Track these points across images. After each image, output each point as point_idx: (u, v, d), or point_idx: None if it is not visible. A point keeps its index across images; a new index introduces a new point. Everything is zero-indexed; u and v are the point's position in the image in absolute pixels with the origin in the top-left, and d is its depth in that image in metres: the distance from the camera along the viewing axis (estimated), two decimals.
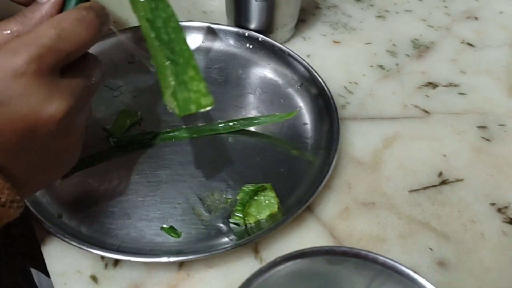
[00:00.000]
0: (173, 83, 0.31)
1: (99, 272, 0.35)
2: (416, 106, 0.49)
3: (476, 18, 0.61)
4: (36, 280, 0.60)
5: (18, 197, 0.26)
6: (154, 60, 0.33)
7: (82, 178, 0.40)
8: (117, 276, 0.34)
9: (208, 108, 0.32)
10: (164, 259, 0.33)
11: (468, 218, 0.39)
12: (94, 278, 0.34)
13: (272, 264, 0.29)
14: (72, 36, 0.27)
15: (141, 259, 0.33)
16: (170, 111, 0.32)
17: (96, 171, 0.41)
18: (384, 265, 0.30)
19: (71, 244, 0.34)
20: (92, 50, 0.45)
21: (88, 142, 0.42)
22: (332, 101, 0.44)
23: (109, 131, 0.43)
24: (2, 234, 0.47)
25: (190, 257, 0.33)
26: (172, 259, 0.33)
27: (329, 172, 0.39)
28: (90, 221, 0.37)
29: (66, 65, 0.28)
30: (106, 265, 0.35)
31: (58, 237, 0.34)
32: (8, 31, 0.27)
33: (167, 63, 0.31)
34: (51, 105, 0.26)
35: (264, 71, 0.50)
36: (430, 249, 0.37)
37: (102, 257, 0.35)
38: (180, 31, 0.32)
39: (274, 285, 0.30)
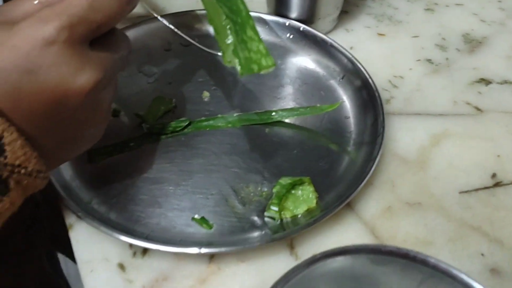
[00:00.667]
0: (232, 40, 0.30)
1: (127, 260, 0.33)
2: (468, 103, 0.45)
3: None
4: (63, 266, 0.60)
5: (45, 167, 0.26)
6: (211, 21, 0.32)
7: (113, 164, 0.39)
8: (145, 265, 0.33)
9: (270, 70, 0.30)
10: (195, 250, 0.31)
11: None
12: (121, 266, 0.33)
13: (311, 260, 0.27)
14: (104, 7, 0.26)
15: (170, 248, 0.32)
16: (229, 65, 0.31)
17: (127, 158, 0.39)
18: (435, 268, 0.27)
19: (100, 230, 0.33)
20: (128, 36, 0.45)
21: (120, 128, 0.41)
22: (377, 94, 0.42)
23: (142, 117, 0.42)
24: (30, 216, 0.47)
25: (222, 249, 0.32)
26: (203, 250, 0.31)
27: (372, 168, 0.36)
28: (120, 208, 0.36)
29: (95, 38, 0.27)
30: (134, 254, 0.34)
31: (86, 223, 0.33)
32: (37, 1, 0.26)
33: (226, 21, 0.30)
34: (82, 76, 0.26)
35: (305, 62, 0.48)
36: (482, 255, 0.34)
37: (131, 245, 0.34)
38: None
39: (312, 284, 0.28)
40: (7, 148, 0.23)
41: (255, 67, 0.30)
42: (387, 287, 0.28)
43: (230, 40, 0.30)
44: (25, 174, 0.24)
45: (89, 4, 0.25)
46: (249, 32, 0.31)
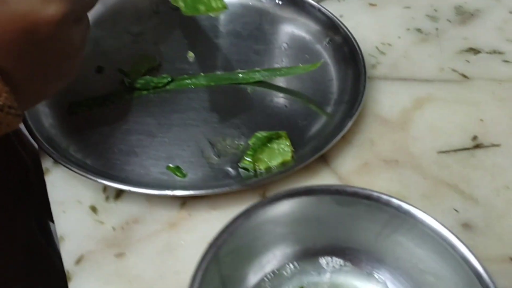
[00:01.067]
0: None
1: (99, 203, 0.33)
2: (454, 70, 0.45)
3: None
4: (55, 238, 0.60)
5: (16, 104, 0.26)
6: None
7: (94, 116, 0.39)
8: (117, 209, 0.33)
9: (219, 13, 0.30)
10: (167, 192, 0.32)
11: (502, 183, 0.35)
12: (93, 209, 0.33)
13: (275, 198, 0.27)
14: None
15: (142, 190, 0.32)
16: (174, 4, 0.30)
17: (108, 111, 0.40)
18: (398, 209, 0.27)
19: (74, 172, 0.33)
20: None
21: (103, 83, 0.41)
22: (361, 56, 0.41)
23: (125, 73, 0.42)
24: (20, 182, 0.47)
25: (192, 192, 0.32)
26: (175, 192, 0.32)
27: (349, 124, 0.36)
28: (96, 155, 0.36)
29: None
30: (107, 198, 0.34)
31: (61, 164, 0.33)
32: None
33: None
34: (51, 6, 0.26)
35: (292, 27, 0.48)
36: (456, 210, 0.34)
37: (104, 190, 0.34)
38: None
39: (275, 222, 0.28)
40: None
41: (201, 8, 0.30)
42: (352, 228, 0.28)
43: None
44: None
45: None
46: None
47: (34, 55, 0.27)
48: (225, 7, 0.30)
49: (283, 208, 0.27)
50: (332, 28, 0.45)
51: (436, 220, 0.26)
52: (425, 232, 0.26)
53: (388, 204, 0.27)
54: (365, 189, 0.27)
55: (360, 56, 0.41)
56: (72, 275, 0.30)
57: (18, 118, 0.27)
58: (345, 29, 0.44)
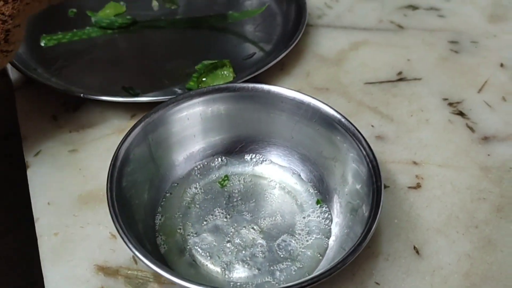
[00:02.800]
0: None
1: (60, 113, 0.38)
2: (392, 22, 0.50)
3: None
4: None
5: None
6: None
7: (62, 50, 0.44)
8: (74, 117, 0.38)
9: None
10: (117, 99, 0.36)
11: (417, 107, 0.40)
12: (54, 117, 0.38)
13: (200, 92, 0.32)
14: None
15: (96, 97, 0.37)
16: None
17: (75, 44, 0.44)
18: (305, 103, 0.31)
19: (38, 81, 0.38)
20: None
21: (74, 23, 0.46)
22: (304, 3, 0.46)
23: (93, 14, 0.47)
24: None
25: (139, 99, 0.36)
26: (124, 99, 0.36)
27: (283, 54, 0.41)
28: (60, 77, 0.41)
29: None
30: (67, 110, 0.38)
31: (28, 77, 0.38)
32: None
33: None
34: None
35: None
36: (372, 126, 0.38)
37: (64, 103, 0.39)
38: None
39: (201, 115, 0.32)
40: None
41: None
42: (268, 123, 0.33)
43: None
44: None
45: None
46: None
47: None
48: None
49: (207, 102, 0.32)
50: None
51: (332, 108, 0.31)
52: (326, 121, 0.31)
53: (298, 99, 0.32)
54: (263, 83, 0.32)
55: (304, 3, 0.46)
56: (30, 164, 0.35)
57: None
58: None
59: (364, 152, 0.29)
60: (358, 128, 0.30)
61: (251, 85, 0.32)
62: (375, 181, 0.27)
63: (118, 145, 0.28)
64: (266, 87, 0.32)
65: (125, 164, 0.28)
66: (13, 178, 0.40)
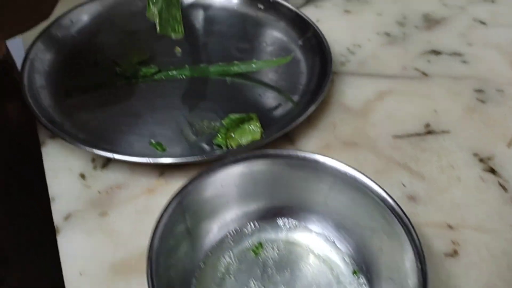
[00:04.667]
0: (160, 2, 0.35)
1: (88, 171, 0.38)
2: (416, 69, 0.49)
3: (492, 1, 0.61)
4: None
5: None
6: None
7: (87, 99, 0.44)
8: (103, 176, 0.38)
9: (180, 37, 0.38)
10: (147, 159, 0.36)
11: (447, 163, 0.40)
12: (82, 176, 0.38)
13: (234, 160, 0.31)
14: None
15: (125, 157, 0.36)
16: (149, 18, 0.37)
17: (100, 95, 0.44)
18: (345, 173, 0.31)
19: (66, 141, 0.37)
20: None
21: (98, 73, 0.46)
22: (328, 52, 0.46)
23: (118, 63, 0.47)
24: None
25: (169, 160, 0.36)
26: (153, 160, 0.36)
27: (312, 108, 0.41)
28: (87, 132, 0.41)
29: None
30: (95, 167, 0.38)
31: (55, 135, 0.38)
32: None
33: None
34: None
35: (272, 29, 0.53)
36: (403, 185, 0.38)
37: (93, 160, 0.39)
38: None
39: (236, 182, 0.32)
40: None
41: (169, 30, 0.38)
42: (304, 190, 0.32)
43: (158, 2, 0.37)
44: None
45: None
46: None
47: None
48: (183, 33, 0.38)
49: (242, 169, 0.32)
50: (306, 30, 0.50)
51: (378, 184, 0.30)
52: (366, 193, 0.30)
53: (333, 167, 0.31)
54: (314, 153, 0.32)
55: (329, 52, 0.46)
56: (61, 229, 0.34)
57: None
58: (317, 30, 0.49)
59: (405, 230, 0.28)
60: (398, 203, 0.29)
61: (293, 152, 0.32)
62: (419, 264, 0.26)
63: (155, 224, 0.28)
64: (311, 156, 0.31)
65: (163, 241, 0.28)
66: (42, 240, 0.40)
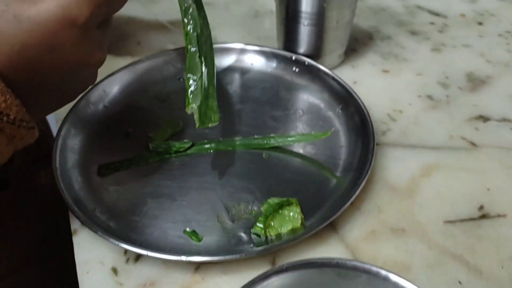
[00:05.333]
0: (200, 98, 0.34)
1: (120, 265, 0.36)
2: (463, 138, 0.46)
3: None
4: None
5: (28, 117, 0.28)
6: (188, 71, 0.36)
7: (119, 178, 0.42)
8: (136, 271, 0.36)
9: (216, 124, 0.37)
10: (182, 258, 0.34)
11: (507, 255, 0.36)
12: (114, 270, 0.36)
13: (278, 269, 0.29)
14: (118, 2, 0.32)
15: (159, 255, 0.34)
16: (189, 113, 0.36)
17: (132, 173, 0.43)
18: (396, 285, 0.28)
19: (99, 236, 0.36)
20: (144, 66, 0.49)
21: (130, 146, 0.45)
22: (370, 124, 0.44)
23: (151, 138, 0.45)
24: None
25: (205, 258, 0.34)
26: (189, 258, 0.34)
27: (357, 192, 0.38)
28: (119, 217, 0.39)
29: None
30: (127, 260, 0.36)
31: (88, 228, 0.36)
32: None
33: (201, 79, 0.34)
34: (96, 55, 0.30)
35: (307, 94, 0.51)
36: (460, 282, 0.35)
37: (125, 252, 0.37)
38: (213, 51, 0.38)
39: None
40: None
41: (206, 122, 0.37)
42: None
43: (198, 97, 0.36)
44: (8, 122, 0.26)
45: None
46: (211, 90, 0.37)
47: (51, 63, 0.28)
48: (219, 121, 0.38)
49: (287, 279, 0.29)
50: (344, 96, 0.48)
51: None
52: None
53: (386, 279, 0.28)
54: (365, 263, 0.29)
55: (370, 124, 0.44)
56: None
57: (31, 131, 0.28)
58: (356, 97, 0.47)
59: None
60: None
61: (342, 262, 0.29)
62: None
63: None
64: (362, 266, 0.29)
65: None
66: None
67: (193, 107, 0.36)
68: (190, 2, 0.36)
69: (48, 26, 0.27)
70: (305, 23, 0.51)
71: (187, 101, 0.36)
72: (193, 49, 0.37)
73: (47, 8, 0.27)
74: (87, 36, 0.29)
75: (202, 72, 0.37)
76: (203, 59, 0.37)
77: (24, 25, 0.27)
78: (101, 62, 0.32)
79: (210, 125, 0.37)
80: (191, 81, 0.37)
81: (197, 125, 0.36)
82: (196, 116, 0.36)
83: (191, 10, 0.36)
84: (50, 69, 0.29)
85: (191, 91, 0.37)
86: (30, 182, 0.53)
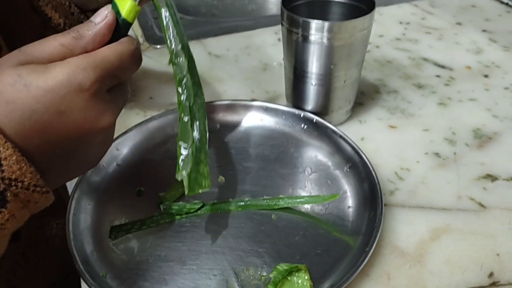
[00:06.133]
0: (191, 165, 0.36)
1: None
2: (472, 199, 0.47)
3: None
4: None
5: (42, 182, 0.29)
6: (180, 139, 0.37)
7: (130, 240, 0.43)
8: None
9: (206, 190, 0.37)
10: None
11: None
12: None
13: None
14: (128, 68, 0.33)
15: None
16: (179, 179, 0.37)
17: (143, 235, 0.43)
18: None
19: None
20: (155, 124, 0.50)
21: (142, 206, 0.46)
22: (378, 187, 0.44)
23: (162, 198, 0.46)
24: None
25: None
26: None
27: (365, 260, 0.38)
28: (130, 283, 0.39)
29: None
30: None
31: None
32: (64, 44, 0.31)
33: (192, 146, 0.35)
34: (104, 119, 0.31)
35: (316, 152, 0.51)
36: None
37: None
38: (205, 119, 0.39)
39: None
40: (3, 163, 0.27)
41: (196, 188, 0.37)
42: None
43: (188, 164, 0.37)
44: (22, 187, 0.28)
45: (119, 64, 0.31)
46: (202, 156, 0.38)
47: (61, 127, 0.30)
48: (209, 187, 0.38)
49: None
50: (352, 155, 0.49)
51: None
52: None
53: None
54: None
55: (378, 187, 0.44)
56: None
57: (46, 195, 0.29)
58: (364, 158, 0.47)
59: None
60: None
61: None
62: None
63: None
64: None
65: None
66: None
67: (182, 174, 0.36)
68: (184, 73, 0.37)
69: (56, 91, 0.29)
70: (313, 83, 0.52)
71: (177, 168, 0.37)
72: (185, 119, 0.38)
73: (55, 76, 0.29)
74: (94, 100, 0.30)
75: (194, 140, 0.37)
76: (195, 127, 0.38)
77: (33, 93, 0.28)
78: (110, 126, 0.33)
79: (200, 191, 0.37)
80: (182, 149, 0.38)
81: (186, 192, 0.36)
82: (185, 183, 0.36)
83: (185, 80, 0.37)
84: (61, 133, 0.30)
85: (182, 158, 0.37)
86: (41, 233, 0.54)
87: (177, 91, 0.37)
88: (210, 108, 0.55)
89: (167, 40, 0.35)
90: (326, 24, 0.47)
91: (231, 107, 0.56)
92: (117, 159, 0.50)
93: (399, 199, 0.47)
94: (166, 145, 0.53)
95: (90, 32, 0.32)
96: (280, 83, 0.63)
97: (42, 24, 0.48)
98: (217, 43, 0.74)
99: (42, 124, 0.29)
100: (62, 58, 0.30)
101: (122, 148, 0.51)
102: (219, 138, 0.54)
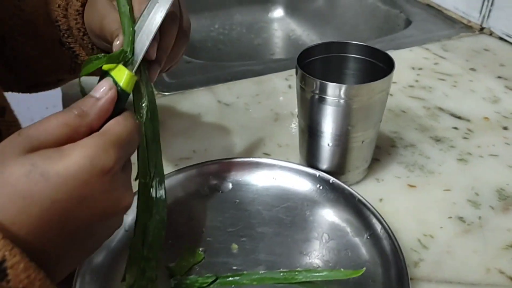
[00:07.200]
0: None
1: None
2: (501, 272, 0.44)
3: None
4: None
5: (52, 285, 0.26)
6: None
7: None
8: None
9: None
10: None
11: None
12: None
13: None
14: (136, 143, 0.32)
15: None
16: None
17: None
18: None
19: None
20: (167, 182, 0.48)
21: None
22: (402, 259, 0.41)
23: (172, 270, 0.44)
24: None
25: None
26: None
27: None
28: None
29: None
30: None
31: None
32: (68, 124, 0.29)
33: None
34: (126, 199, 0.30)
35: (333, 215, 0.49)
36: None
37: None
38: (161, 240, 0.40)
39: None
40: (9, 272, 0.24)
41: None
42: None
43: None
44: None
45: (130, 141, 0.30)
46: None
47: (82, 213, 0.28)
48: None
49: None
50: (372, 222, 0.46)
51: None
52: None
53: None
54: None
55: (402, 258, 0.41)
56: None
57: None
58: (385, 224, 0.45)
59: None
60: None
61: None
62: None
63: None
64: None
65: None
66: None
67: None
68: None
69: (78, 177, 0.27)
70: (329, 143, 0.50)
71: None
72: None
73: (75, 161, 0.27)
74: (115, 181, 0.29)
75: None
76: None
77: (52, 182, 0.26)
78: (129, 206, 0.31)
79: None
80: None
81: None
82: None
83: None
84: (82, 219, 0.28)
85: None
86: None
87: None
88: (223, 167, 0.53)
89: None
90: (344, 87, 0.45)
91: (242, 165, 0.54)
92: (125, 225, 0.48)
93: (424, 272, 0.44)
94: (177, 207, 0.50)
95: (93, 108, 0.30)
96: (292, 135, 0.61)
97: (71, 59, 0.49)
98: (226, 90, 0.72)
99: (63, 214, 0.27)
100: (68, 138, 0.29)
101: (130, 212, 0.48)
102: (232, 199, 0.51)
